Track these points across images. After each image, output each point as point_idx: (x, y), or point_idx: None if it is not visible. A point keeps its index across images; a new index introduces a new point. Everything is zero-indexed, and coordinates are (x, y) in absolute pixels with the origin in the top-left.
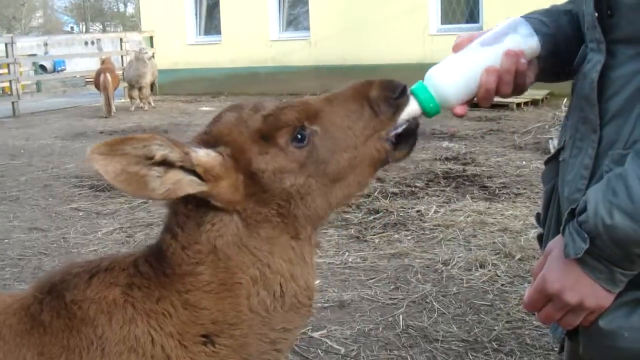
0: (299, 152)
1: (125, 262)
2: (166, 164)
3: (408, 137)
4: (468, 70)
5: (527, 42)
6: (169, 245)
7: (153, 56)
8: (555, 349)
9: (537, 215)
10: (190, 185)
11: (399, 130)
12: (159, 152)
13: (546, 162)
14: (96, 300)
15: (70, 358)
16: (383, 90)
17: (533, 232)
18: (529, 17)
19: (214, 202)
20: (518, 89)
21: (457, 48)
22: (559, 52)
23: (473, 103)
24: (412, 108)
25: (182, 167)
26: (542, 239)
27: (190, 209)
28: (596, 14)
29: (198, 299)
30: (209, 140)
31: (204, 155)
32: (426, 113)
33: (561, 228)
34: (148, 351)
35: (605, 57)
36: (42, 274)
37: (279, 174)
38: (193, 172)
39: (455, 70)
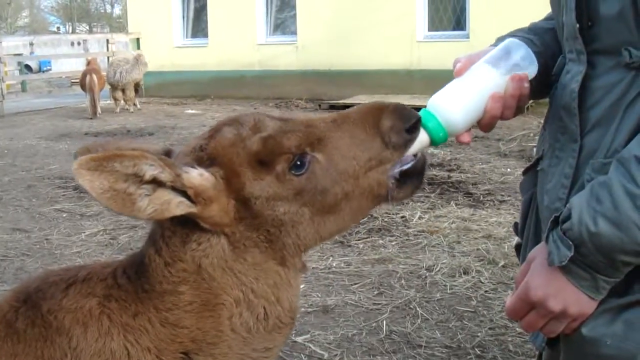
0: (297, 180)
1: (104, 273)
2: (156, 182)
3: (414, 177)
4: (475, 97)
5: (528, 65)
6: (152, 261)
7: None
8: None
9: (515, 225)
10: (179, 206)
11: (405, 167)
12: (149, 172)
13: (524, 172)
14: (72, 310)
15: None
16: (397, 120)
17: (517, 239)
18: (517, 36)
19: (202, 223)
20: (517, 112)
21: (459, 73)
22: (547, 71)
23: None
24: (421, 139)
25: (172, 187)
26: (520, 249)
27: (177, 225)
28: (577, 25)
29: (178, 318)
30: (203, 158)
31: (196, 177)
32: (434, 142)
33: (544, 236)
34: None
35: (585, 67)
36: (23, 277)
37: (272, 201)
38: (183, 193)
39: (463, 96)
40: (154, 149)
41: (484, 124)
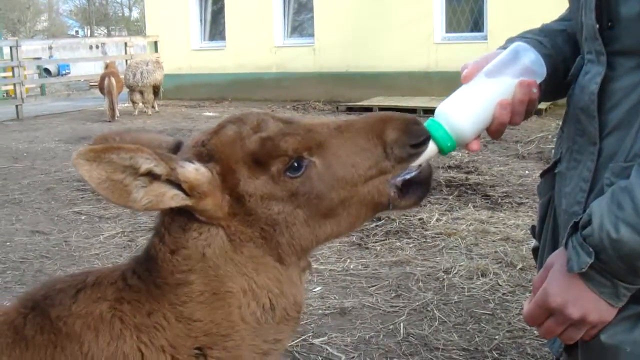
0: (292, 182)
1: (113, 276)
2: (152, 175)
3: (418, 187)
4: (482, 104)
5: (536, 69)
6: (158, 250)
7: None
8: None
9: (533, 228)
10: (173, 199)
11: (408, 177)
12: (145, 165)
13: (542, 175)
14: (82, 315)
15: None
16: (402, 135)
17: (534, 242)
18: (526, 38)
19: (198, 215)
20: (526, 116)
21: (466, 79)
22: (557, 73)
23: None
24: (428, 148)
25: (167, 180)
26: (537, 252)
27: (176, 213)
28: (597, 26)
29: (192, 311)
30: (203, 153)
31: (191, 171)
32: (442, 152)
33: (563, 241)
34: None
35: (605, 68)
36: (42, 279)
37: (266, 200)
38: (178, 186)
39: (470, 104)
40: (165, 141)
41: (493, 130)
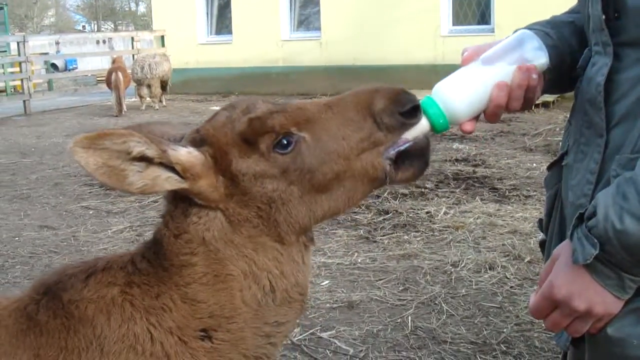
0: (282, 159)
1: (122, 261)
2: (147, 160)
3: (414, 158)
4: (479, 86)
5: (537, 56)
6: (163, 235)
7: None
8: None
9: (540, 221)
10: (168, 181)
11: (402, 148)
12: (136, 149)
13: (549, 167)
14: (94, 299)
15: (69, 359)
16: (390, 104)
17: (541, 236)
18: (532, 29)
19: (195, 199)
20: (527, 104)
21: (466, 61)
22: (563, 65)
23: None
24: (421, 124)
25: (162, 164)
26: (545, 245)
27: (178, 199)
28: (603, 17)
29: (196, 292)
30: (196, 139)
31: (184, 154)
32: (435, 129)
33: (569, 233)
34: (147, 349)
35: (612, 60)
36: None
37: (259, 178)
38: (173, 170)
39: (466, 85)
40: (175, 132)
41: (489, 113)
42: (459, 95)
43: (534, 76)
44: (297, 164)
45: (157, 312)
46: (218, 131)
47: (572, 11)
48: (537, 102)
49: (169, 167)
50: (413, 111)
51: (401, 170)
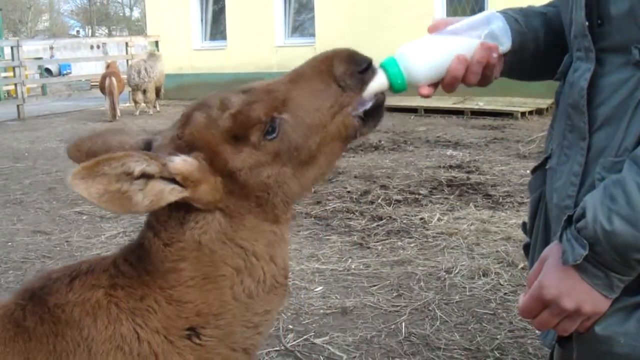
0: (271, 144)
1: (105, 264)
2: (145, 176)
3: (375, 113)
4: (440, 54)
5: (501, 37)
6: (152, 244)
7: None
8: None
9: (524, 225)
10: (171, 193)
11: (368, 106)
12: (137, 168)
13: (533, 171)
14: (79, 302)
15: None
16: (349, 64)
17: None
18: (503, 13)
19: (196, 205)
20: (484, 80)
21: (432, 29)
22: (525, 51)
23: (479, 112)
24: (380, 82)
25: (161, 177)
26: (529, 249)
27: (171, 209)
28: (587, 23)
29: (181, 294)
30: (182, 145)
31: (180, 163)
32: (393, 88)
33: (558, 234)
34: (135, 349)
35: (594, 65)
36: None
37: (255, 169)
38: (172, 180)
39: (428, 51)
40: (134, 142)
41: (446, 83)
42: (419, 59)
43: (494, 55)
44: (284, 145)
45: (143, 313)
46: (203, 134)
47: (549, 4)
48: (531, 109)
49: (168, 179)
50: (368, 67)
51: (367, 126)
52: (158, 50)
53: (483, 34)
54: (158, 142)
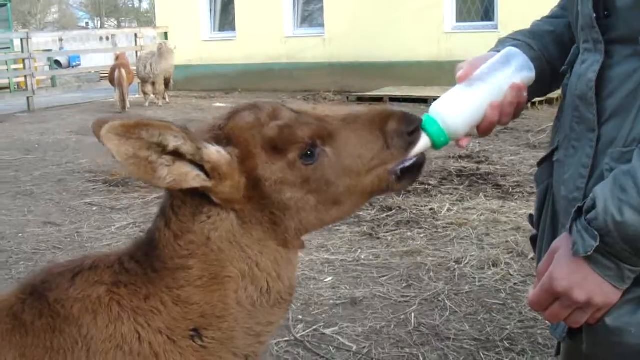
0: (305, 169)
1: (110, 260)
2: (176, 154)
3: (413, 172)
4: (474, 105)
5: (526, 73)
6: (162, 236)
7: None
8: None
9: (530, 217)
10: (195, 179)
11: (407, 164)
12: (173, 143)
13: (539, 163)
14: (80, 299)
15: (55, 359)
16: (400, 125)
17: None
18: (516, 40)
19: (215, 198)
20: (515, 117)
21: (461, 79)
22: (544, 74)
23: None
24: (422, 142)
25: (191, 161)
26: (535, 241)
27: (187, 196)
28: (594, 15)
29: (189, 295)
30: (220, 136)
31: (214, 153)
32: (435, 146)
33: (568, 226)
34: (135, 349)
35: (603, 56)
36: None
37: (280, 185)
38: (200, 167)
39: (463, 106)
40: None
41: (482, 129)
42: (457, 115)
43: (524, 94)
44: (317, 176)
45: (146, 314)
46: (246, 132)
47: (552, 16)
48: (541, 99)
49: (197, 164)
50: (418, 128)
51: (401, 183)
52: (167, 41)
53: (509, 74)
54: (196, 127)
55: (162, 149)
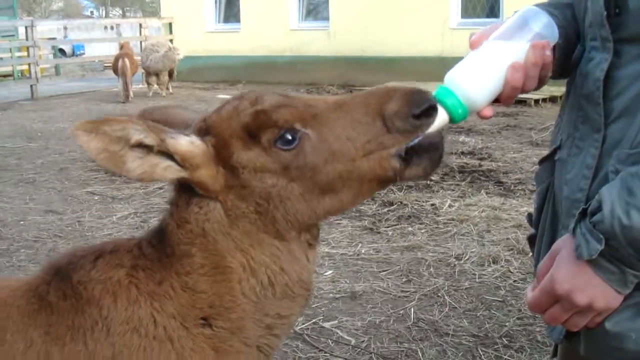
0: (284, 154)
1: (129, 245)
2: (146, 147)
3: (424, 154)
4: (493, 69)
5: (548, 32)
6: (168, 223)
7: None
8: None
9: (529, 216)
10: (167, 170)
11: (411, 143)
12: (135, 137)
13: (540, 162)
14: (101, 280)
15: (75, 337)
16: (403, 106)
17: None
18: (539, 6)
19: (198, 189)
20: (541, 82)
21: (474, 45)
22: (569, 44)
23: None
24: (439, 116)
25: (161, 152)
26: (533, 241)
27: (182, 189)
28: (605, 12)
29: (195, 282)
30: (202, 128)
31: (184, 144)
32: (453, 120)
33: (571, 228)
34: (151, 332)
35: (611, 55)
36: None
37: (259, 172)
38: (173, 158)
39: (480, 69)
40: (190, 118)
41: (506, 96)
42: (475, 81)
43: (548, 52)
44: (299, 161)
45: (160, 299)
46: (223, 122)
47: None
48: (544, 96)
49: (169, 155)
50: (429, 110)
51: (410, 168)
52: (171, 32)
53: (529, 35)
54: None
55: (129, 143)
